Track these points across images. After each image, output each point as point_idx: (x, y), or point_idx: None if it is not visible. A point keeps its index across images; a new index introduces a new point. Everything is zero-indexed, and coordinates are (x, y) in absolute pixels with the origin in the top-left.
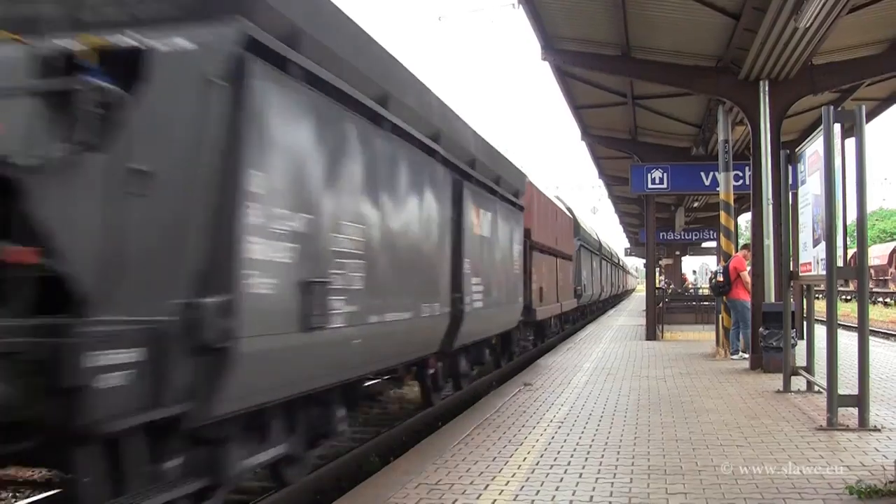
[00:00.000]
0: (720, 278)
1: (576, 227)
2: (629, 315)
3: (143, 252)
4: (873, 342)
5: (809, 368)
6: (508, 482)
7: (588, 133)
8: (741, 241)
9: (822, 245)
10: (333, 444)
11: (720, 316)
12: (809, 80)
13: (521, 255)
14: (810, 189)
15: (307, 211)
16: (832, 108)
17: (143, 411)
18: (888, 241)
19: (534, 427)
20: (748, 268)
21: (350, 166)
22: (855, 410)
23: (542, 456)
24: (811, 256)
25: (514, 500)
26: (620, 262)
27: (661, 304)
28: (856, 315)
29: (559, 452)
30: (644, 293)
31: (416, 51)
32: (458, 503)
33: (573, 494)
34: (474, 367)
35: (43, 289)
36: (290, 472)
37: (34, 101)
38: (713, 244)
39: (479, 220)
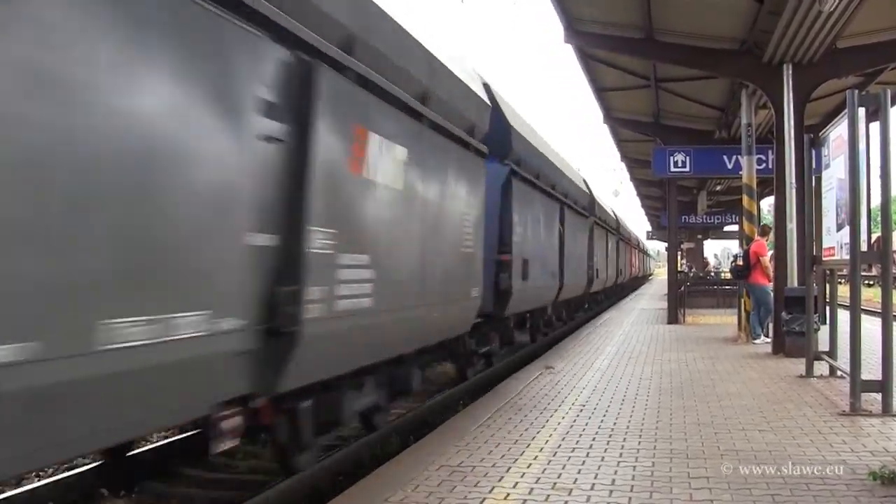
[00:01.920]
0: (740, 262)
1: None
2: (650, 298)
3: None
4: None
5: (832, 353)
6: (531, 465)
7: (611, 116)
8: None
9: (846, 229)
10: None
11: (742, 300)
12: (833, 63)
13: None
14: (834, 173)
15: None
16: (857, 91)
17: None
18: None
19: (555, 410)
20: (769, 252)
21: None
22: (878, 396)
23: (563, 439)
24: (835, 241)
25: (537, 482)
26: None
27: (682, 288)
28: (879, 300)
29: (581, 436)
30: (664, 277)
31: (438, 32)
32: (480, 485)
33: (595, 478)
34: None
35: None
36: None
37: None
38: (735, 228)
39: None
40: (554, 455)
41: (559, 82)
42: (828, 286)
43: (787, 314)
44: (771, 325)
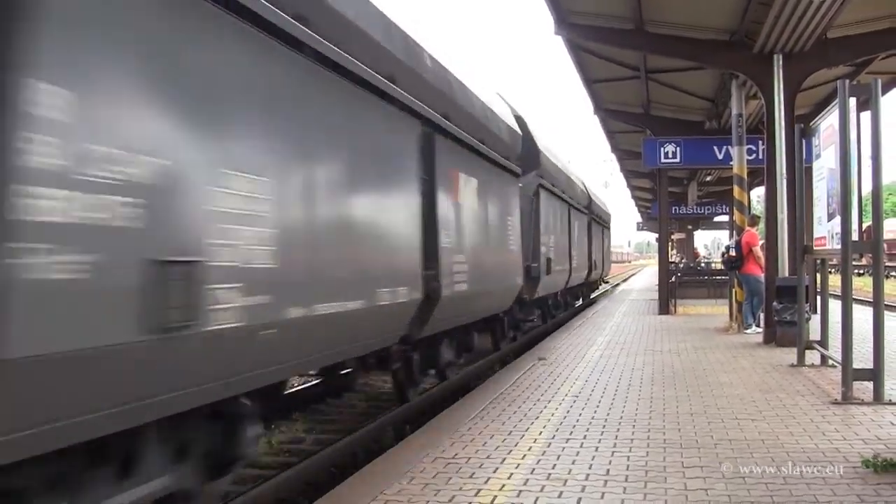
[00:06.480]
0: (732, 253)
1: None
2: (640, 290)
3: None
4: (887, 316)
5: (823, 342)
6: (525, 456)
7: (601, 107)
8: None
9: (837, 219)
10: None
11: (733, 290)
12: (824, 53)
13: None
14: (825, 163)
15: None
16: (848, 81)
17: None
18: None
19: (549, 401)
20: (760, 242)
21: None
22: (870, 384)
23: (557, 430)
24: (826, 231)
25: (531, 473)
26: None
27: (673, 279)
28: (870, 289)
29: (575, 426)
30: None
31: (427, 24)
32: (475, 476)
33: (590, 468)
34: None
35: None
36: None
37: None
38: (726, 218)
39: None
40: (548, 446)
41: (549, 73)
42: (819, 276)
43: (779, 304)
44: (762, 315)
